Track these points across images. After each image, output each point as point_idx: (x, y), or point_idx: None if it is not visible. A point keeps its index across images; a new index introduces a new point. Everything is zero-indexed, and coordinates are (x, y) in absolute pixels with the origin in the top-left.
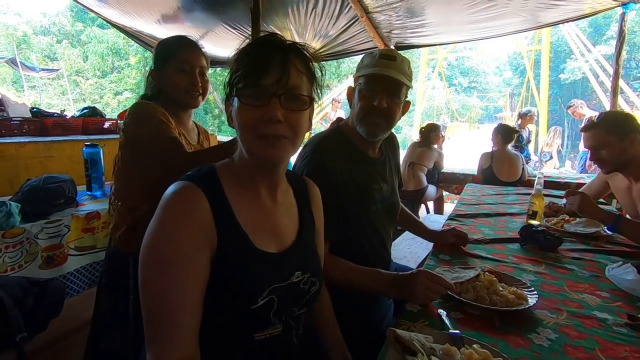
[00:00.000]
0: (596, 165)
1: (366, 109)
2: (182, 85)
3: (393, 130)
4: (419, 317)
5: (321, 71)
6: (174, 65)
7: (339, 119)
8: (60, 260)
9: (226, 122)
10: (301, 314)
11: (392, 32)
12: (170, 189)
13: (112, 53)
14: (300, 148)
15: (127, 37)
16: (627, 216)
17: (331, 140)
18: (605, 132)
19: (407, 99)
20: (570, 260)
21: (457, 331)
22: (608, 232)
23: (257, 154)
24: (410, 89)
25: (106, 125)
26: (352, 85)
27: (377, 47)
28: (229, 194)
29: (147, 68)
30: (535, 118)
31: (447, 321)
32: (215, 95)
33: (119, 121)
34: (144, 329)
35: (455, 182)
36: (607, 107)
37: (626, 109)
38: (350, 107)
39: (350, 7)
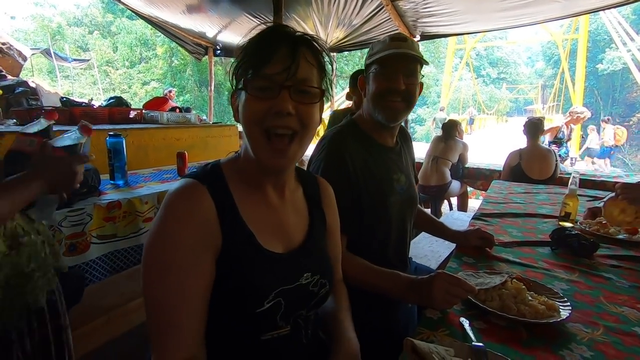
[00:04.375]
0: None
1: (384, 92)
2: None
3: (417, 125)
4: (439, 325)
5: (332, 64)
6: None
7: (352, 112)
8: (83, 248)
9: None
10: (309, 315)
11: (418, 20)
12: (175, 186)
13: (141, 44)
14: (317, 142)
15: (154, 28)
16: None
17: (347, 133)
18: None
19: (421, 80)
20: (608, 268)
21: (480, 344)
22: None
23: (262, 160)
24: (430, 71)
25: (132, 114)
26: (362, 76)
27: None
28: (235, 191)
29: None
30: (584, 121)
31: (469, 331)
32: None
33: (143, 111)
34: (148, 333)
35: (480, 177)
36: None
37: None
38: (364, 96)
39: None
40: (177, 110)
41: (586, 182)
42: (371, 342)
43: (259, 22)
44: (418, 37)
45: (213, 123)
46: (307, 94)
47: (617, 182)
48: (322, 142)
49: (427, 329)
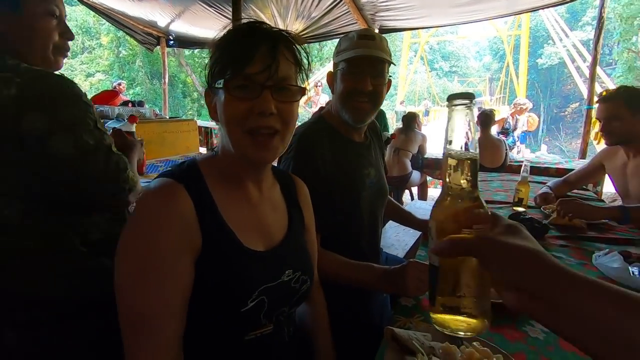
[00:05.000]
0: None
1: (351, 93)
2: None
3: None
4: (414, 311)
5: (308, 59)
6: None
7: (321, 108)
8: None
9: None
10: (291, 312)
11: (377, 14)
12: (151, 185)
13: (82, 32)
14: None
15: (97, 15)
16: (619, 197)
17: (315, 130)
18: (622, 104)
19: (390, 77)
20: (558, 248)
21: None
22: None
23: (246, 154)
24: (391, 66)
25: None
26: (332, 70)
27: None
28: (213, 189)
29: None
30: (527, 111)
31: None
32: (193, 77)
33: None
34: (122, 337)
35: (439, 167)
36: (584, 93)
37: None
38: (333, 93)
39: None
40: (130, 104)
41: (532, 170)
42: (348, 334)
43: (215, 13)
44: (377, 31)
45: (170, 118)
46: (287, 93)
47: (559, 168)
48: (291, 140)
49: (403, 316)
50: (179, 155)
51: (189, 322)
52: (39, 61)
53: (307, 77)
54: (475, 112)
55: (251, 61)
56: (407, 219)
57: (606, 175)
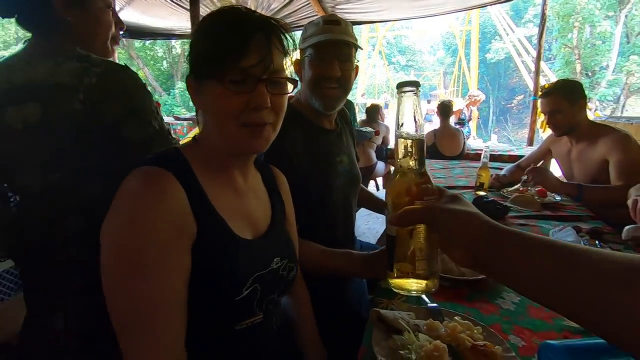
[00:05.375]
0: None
1: (319, 79)
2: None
3: None
4: (395, 293)
5: (296, 49)
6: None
7: (290, 97)
8: None
9: (159, 100)
10: (279, 300)
11: (337, 6)
12: (134, 175)
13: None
14: None
15: None
16: (564, 179)
17: (286, 119)
18: (561, 98)
19: (357, 62)
20: (518, 227)
21: (434, 304)
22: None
23: (240, 144)
24: (358, 51)
25: None
26: (298, 58)
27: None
28: (201, 178)
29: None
30: (480, 102)
31: (423, 295)
32: (146, 71)
33: None
34: (118, 338)
35: None
36: (530, 85)
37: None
38: (301, 81)
39: None
40: None
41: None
42: (329, 322)
43: (169, 2)
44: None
45: None
46: (281, 85)
47: (511, 155)
48: None
49: (385, 298)
50: None
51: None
52: (99, 51)
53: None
54: (421, 98)
55: (245, 53)
56: (379, 205)
57: (553, 160)
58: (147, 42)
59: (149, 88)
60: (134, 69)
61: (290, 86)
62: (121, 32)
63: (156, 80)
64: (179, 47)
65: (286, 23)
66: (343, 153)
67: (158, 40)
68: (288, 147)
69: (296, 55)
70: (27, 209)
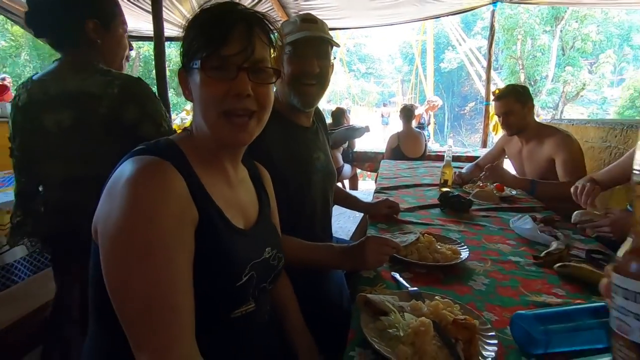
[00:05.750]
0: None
1: (298, 76)
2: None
3: None
4: (376, 281)
5: (282, 41)
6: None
7: None
8: None
9: None
10: (269, 289)
11: (300, 12)
12: (132, 164)
13: None
14: None
15: None
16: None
17: None
18: (514, 100)
19: (333, 59)
20: (481, 218)
21: (415, 288)
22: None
23: (222, 136)
24: (335, 48)
25: None
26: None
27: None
28: (196, 168)
29: None
30: (438, 107)
31: (402, 281)
32: None
33: None
34: (127, 332)
35: (367, 160)
36: (482, 92)
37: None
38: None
39: None
40: None
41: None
42: (312, 313)
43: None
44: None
45: None
46: (264, 75)
47: (468, 155)
48: None
49: (368, 286)
50: None
51: None
52: (117, 67)
53: (282, 60)
54: (380, 104)
55: (227, 42)
56: (353, 203)
57: (506, 158)
58: None
59: None
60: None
61: (274, 78)
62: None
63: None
64: (134, 50)
65: (272, 17)
66: (319, 150)
67: None
68: (267, 145)
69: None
70: (56, 197)
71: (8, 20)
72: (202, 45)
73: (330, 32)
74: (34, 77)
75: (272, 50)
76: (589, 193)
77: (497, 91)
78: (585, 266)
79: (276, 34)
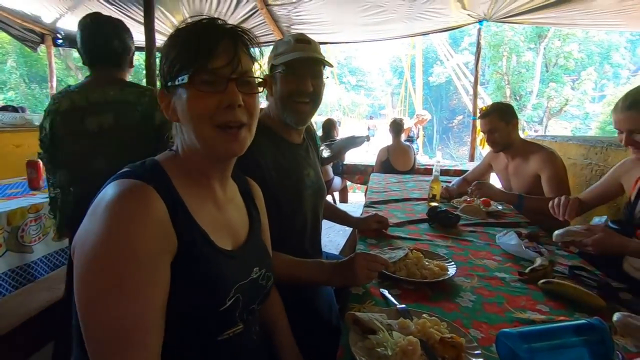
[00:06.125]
0: None
1: (292, 93)
2: None
3: None
4: (365, 298)
5: (263, 56)
6: None
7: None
8: None
9: None
10: (257, 309)
11: (292, 27)
12: (114, 188)
13: None
14: None
15: None
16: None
17: (256, 132)
18: (497, 119)
19: (326, 78)
20: (468, 233)
21: (403, 305)
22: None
23: (217, 148)
24: (328, 68)
25: None
26: (268, 73)
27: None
28: (181, 190)
29: None
30: (427, 121)
31: (391, 298)
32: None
33: None
34: (89, 351)
35: (357, 172)
36: (469, 106)
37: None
38: (271, 94)
39: None
40: (10, 109)
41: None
42: (302, 330)
43: (116, 11)
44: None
45: None
46: (251, 85)
47: (456, 169)
48: None
49: (357, 303)
50: None
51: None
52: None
53: (263, 72)
54: (370, 116)
55: (214, 55)
56: (343, 218)
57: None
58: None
59: None
60: (70, 80)
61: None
62: (60, 41)
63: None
64: None
65: (251, 32)
66: (310, 166)
67: None
68: (258, 160)
69: (264, 65)
70: (92, 191)
71: None
72: (188, 60)
73: (322, 46)
74: (71, 88)
75: (254, 63)
76: (565, 205)
77: (484, 108)
78: (568, 283)
79: (256, 48)
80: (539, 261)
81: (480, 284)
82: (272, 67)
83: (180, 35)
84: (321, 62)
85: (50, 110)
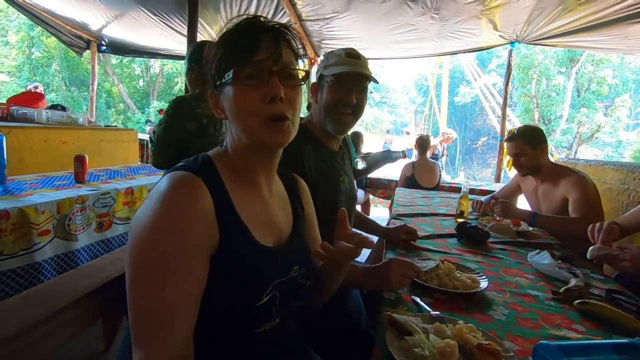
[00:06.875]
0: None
1: (337, 103)
2: None
3: None
4: (398, 303)
5: (306, 52)
6: None
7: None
8: None
9: (132, 118)
10: (296, 306)
11: (322, 41)
12: (169, 179)
13: None
14: None
15: (4, 11)
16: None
17: (299, 136)
18: (523, 143)
19: (371, 92)
20: (498, 251)
21: (437, 312)
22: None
23: (263, 139)
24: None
25: None
26: (316, 82)
27: (308, 54)
28: (228, 185)
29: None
30: (452, 140)
31: (424, 305)
32: (120, 88)
33: (11, 106)
34: (130, 327)
35: (380, 187)
36: (496, 127)
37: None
38: (315, 102)
39: (285, 12)
40: (59, 107)
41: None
42: (331, 334)
43: (158, 21)
44: (322, 57)
45: (106, 126)
46: (293, 77)
47: (481, 189)
48: None
49: (390, 307)
50: (120, 166)
51: (201, 316)
52: None
53: (307, 67)
54: (394, 133)
55: (257, 49)
56: (372, 227)
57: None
58: (125, 60)
59: (123, 105)
60: (107, 85)
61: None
62: (103, 48)
63: (130, 98)
64: (158, 67)
65: (293, 28)
66: (345, 174)
67: (136, 59)
68: (303, 160)
69: (307, 60)
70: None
71: (45, 32)
72: (233, 57)
73: None
74: (188, 98)
75: (296, 58)
76: (607, 231)
77: (512, 131)
78: (605, 304)
79: (299, 43)
80: (573, 282)
81: (513, 299)
82: (321, 77)
83: (225, 36)
84: (368, 78)
85: (187, 113)
